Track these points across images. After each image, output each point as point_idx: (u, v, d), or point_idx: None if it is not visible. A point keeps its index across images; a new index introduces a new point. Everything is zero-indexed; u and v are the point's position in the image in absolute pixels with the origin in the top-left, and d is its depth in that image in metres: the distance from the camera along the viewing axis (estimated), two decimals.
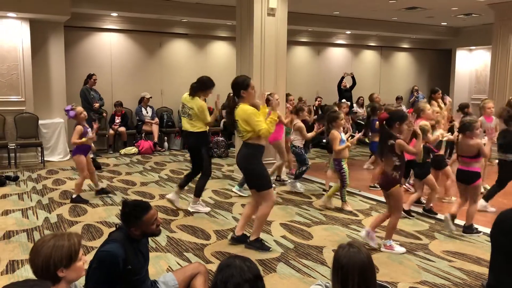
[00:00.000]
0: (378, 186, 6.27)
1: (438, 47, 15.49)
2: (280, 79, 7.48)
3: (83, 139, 6.08)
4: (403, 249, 4.50)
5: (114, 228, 2.94)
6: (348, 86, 12.21)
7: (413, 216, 5.60)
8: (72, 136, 6.16)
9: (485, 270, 3.84)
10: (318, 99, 12.33)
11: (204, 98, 5.74)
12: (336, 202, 6.08)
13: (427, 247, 4.62)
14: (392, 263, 4.23)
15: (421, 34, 14.09)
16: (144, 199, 6.26)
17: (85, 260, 2.31)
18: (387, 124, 4.35)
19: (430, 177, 5.66)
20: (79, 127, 6.09)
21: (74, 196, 6.21)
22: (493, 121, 6.89)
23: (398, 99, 13.79)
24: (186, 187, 6.23)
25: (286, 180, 7.36)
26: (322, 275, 3.92)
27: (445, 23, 13.49)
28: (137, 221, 2.78)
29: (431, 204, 5.76)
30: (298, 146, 6.70)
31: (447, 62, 15.35)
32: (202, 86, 5.70)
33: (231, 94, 4.70)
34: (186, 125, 5.77)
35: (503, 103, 9.64)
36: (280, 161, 7.20)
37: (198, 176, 5.88)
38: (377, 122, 6.48)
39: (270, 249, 4.52)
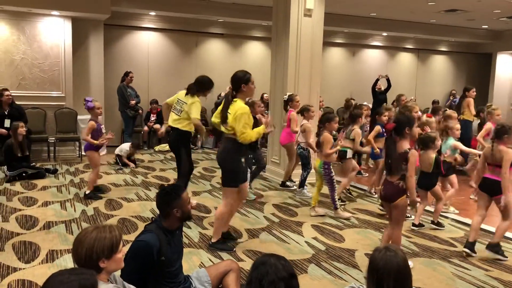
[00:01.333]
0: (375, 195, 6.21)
1: (477, 51, 15.08)
2: (315, 80, 7.44)
3: (95, 142, 6.01)
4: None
5: (149, 222, 3.02)
6: (383, 89, 11.99)
7: (444, 227, 5.36)
8: (84, 131, 6.16)
9: None
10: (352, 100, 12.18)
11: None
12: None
13: (463, 255, 4.52)
14: (426, 269, 4.16)
15: (460, 37, 13.75)
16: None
17: (124, 252, 2.38)
18: (397, 132, 3.92)
19: (437, 187, 5.33)
20: (91, 123, 6.03)
21: (87, 192, 6.15)
22: None
23: (434, 102, 13.49)
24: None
25: (291, 187, 7.07)
26: (354, 278, 3.89)
27: (486, 26, 13.12)
28: (177, 199, 2.90)
29: (438, 217, 5.40)
30: (306, 149, 6.38)
31: (486, 66, 14.93)
32: (201, 87, 5.57)
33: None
34: (172, 119, 5.57)
35: None
36: (289, 166, 7.06)
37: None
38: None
39: (234, 249, 4.44)
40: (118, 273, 2.67)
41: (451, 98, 13.63)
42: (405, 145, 3.87)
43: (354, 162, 6.56)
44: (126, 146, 8.52)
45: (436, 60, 14.95)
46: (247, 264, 4.04)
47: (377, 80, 11.96)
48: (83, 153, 8.82)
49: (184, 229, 5.01)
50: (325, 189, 5.87)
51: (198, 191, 6.77)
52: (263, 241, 4.78)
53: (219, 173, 8.00)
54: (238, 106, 4.28)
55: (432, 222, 5.39)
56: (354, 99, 12.37)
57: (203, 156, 9.76)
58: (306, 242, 4.79)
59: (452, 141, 5.77)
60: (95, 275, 1.91)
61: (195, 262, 4.14)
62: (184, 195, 2.95)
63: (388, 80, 11.98)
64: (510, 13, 10.62)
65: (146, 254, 2.75)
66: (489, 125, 6.62)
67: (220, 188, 6.96)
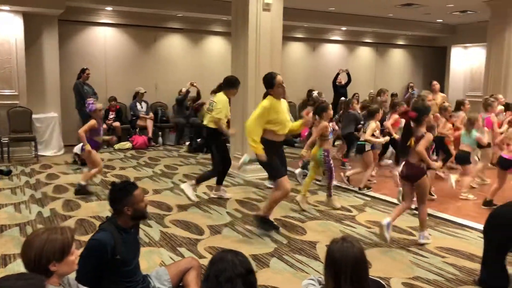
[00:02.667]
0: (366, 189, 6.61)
1: (433, 44, 15.51)
2: None
3: (98, 138, 6.27)
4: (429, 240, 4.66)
5: (104, 221, 2.95)
6: (343, 83, 12.19)
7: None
8: (83, 127, 6.22)
9: (477, 266, 3.86)
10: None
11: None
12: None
13: (421, 243, 4.63)
14: (385, 258, 4.24)
15: (417, 31, 14.09)
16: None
17: (77, 255, 2.30)
18: (417, 120, 4.53)
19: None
20: (92, 121, 6.16)
21: (83, 183, 6.23)
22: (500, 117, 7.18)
23: (393, 95, 13.78)
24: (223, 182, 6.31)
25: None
26: (315, 270, 3.92)
27: (441, 20, 13.50)
28: (128, 196, 2.81)
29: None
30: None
31: (442, 59, 15.38)
32: (226, 85, 5.91)
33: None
34: (206, 118, 6.06)
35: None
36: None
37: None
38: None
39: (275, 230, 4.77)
40: (73, 275, 2.59)
41: (409, 91, 13.95)
42: (423, 129, 4.55)
43: (371, 153, 6.73)
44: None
45: (394, 54, 15.28)
46: (208, 261, 3.99)
47: (338, 74, 12.15)
48: (40, 153, 8.61)
49: (145, 227, 4.94)
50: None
51: (159, 189, 6.66)
52: (226, 237, 4.76)
53: (181, 170, 7.95)
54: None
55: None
56: (317, 92, 12.47)
57: (165, 154, 9.62)
58: (268, 236, 4.79)
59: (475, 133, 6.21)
60: (44, 280, 1.83)
61: (155, 261, 4.07)
62: (137, 193, 2.85)
63: (348, 74, 12.19)
64: (463, 7, 10.97)
65: (100, 253, 2.69)
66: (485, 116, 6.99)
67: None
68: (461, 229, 5.08)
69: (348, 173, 6.93)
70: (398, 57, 15.39)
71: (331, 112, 6.06)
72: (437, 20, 13.48)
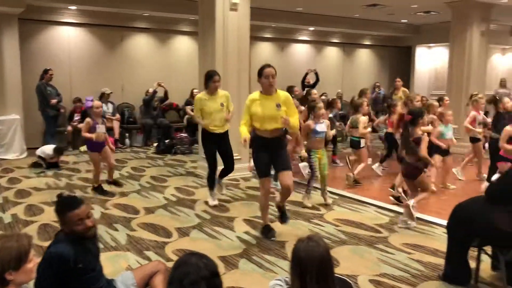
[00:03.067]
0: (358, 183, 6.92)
1: (398, 44, 15.81)
2: (243, 75, 7.44)
3: (92, 135, 6.13)
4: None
5: (60, 229, 2.83)
6: (311, 82, 12.26)
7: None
8: (82, 129, 6.33)
9: (441, 261, 3.94)
10: None
11: (207, 92, 5.72)
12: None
13: (387, 240, 4.70)
14: (353, 256, 4.28)
15: (383, 31, 14.34)
16: (104, 198, 6.14)
17: (36, 262, 2.22)
18: (412, 122, 5.01)
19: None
20: (87, 119, 6.24)
21: (96, 185, 6.41)
22: (481, 115, 7.33)
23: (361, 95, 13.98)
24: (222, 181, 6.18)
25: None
26: (284, 270, 3.92)
27: (406, 21, 13.78)
28: (61, 217, 2.68)
29: None
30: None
31: (407, 59, 15.70)
32: (204, 79, 5.81)
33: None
34: None
35: (460, 99, 9.98)
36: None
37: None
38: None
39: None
40: (31, 283, 2.50)
41: (376, 90, 14.17)
42: (419, 131, 5.03)
43: (365, 150, 7.06)
44: (48, 150, 8.03)
45: (360, 54, 15.50)
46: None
47: (306, 74, 12.22)
48: (0, 157, 8.34)
49: (111, 231, 4.84)
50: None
51: (126, 191, 6.54)
52: (194, 239, 4.70)
53: (148, 172, 7.83)
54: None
55: None
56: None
57: (132, 155, 9.46)
58: (237, 237, 4.77)
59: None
60: None
61: (122, 266, 3.98)
62: (71, 215, 2.62)
63: (316, 74, 12.25)
64: (426, 8, 11.22)
65: (61, 263, 2.60)
66: (473, 113, 7.22)
67: (149, 187, 6.81)
68: (427, 225, 5.18)
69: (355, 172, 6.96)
70: (364, 57, 15.62)
71: (322, 111, 6.13)
72: (402, 21, 13.75)
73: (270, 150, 4.56)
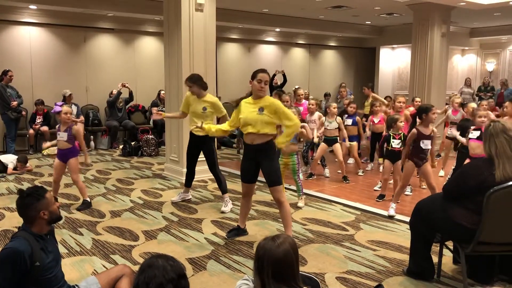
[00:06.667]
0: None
1: (363, 45, 16.11)
2: (210, 76, 7.39)
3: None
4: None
5: (16, 231, 2.80)
6: (279, 83, 12.36)
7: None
8: None
9: (406, 257, 4.04)
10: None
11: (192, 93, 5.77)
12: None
13: (353, 238, 4.79)
14: (320, 254, 4.33)
15: (347, 33, 14.58)
16: (69, 202, 6.00)
17: None
18: (418, 117, 5.33)
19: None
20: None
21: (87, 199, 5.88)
22: (458, 114, 7.62)
23: (326, 95, 14.19)
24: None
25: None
26: (252, 270, 3.93)
27: (369, 22, 14.06)
28: (41, 200, 2.71)
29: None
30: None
31: (372, 60, 16.02)
32: None
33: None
34: None
35: (422, 98, 10.25)
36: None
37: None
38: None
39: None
40: None
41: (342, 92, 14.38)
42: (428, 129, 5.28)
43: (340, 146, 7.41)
44: (12, 158, 7.77)
45: (326, 55, 15.71)
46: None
47: (274, 75, 12.29)
48: None
49: (75, 236, 4.74)
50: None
51: (91, 195, 6.40)
52: (161, 241, 4.65)
53: (114, 175, 7.69)
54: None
55: None
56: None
57: (97, 158, 9.28)
58: (205, 238, 4.75)
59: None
60: None
61: (87, 270, 3.90)
62: (48, 195, 2.78)
63: (284, 75, 12.36)
64: (389, 10, 11.48)
65: (17, 260, 2.55)
66: (449, 113, 7.78)
67: (115, 190, 6.72)
68: (391, 222, 5.30)
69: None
70: (330, 57, 15.83)
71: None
72: (366, 22, 14.02)
73: (253, 160, 4.47)
